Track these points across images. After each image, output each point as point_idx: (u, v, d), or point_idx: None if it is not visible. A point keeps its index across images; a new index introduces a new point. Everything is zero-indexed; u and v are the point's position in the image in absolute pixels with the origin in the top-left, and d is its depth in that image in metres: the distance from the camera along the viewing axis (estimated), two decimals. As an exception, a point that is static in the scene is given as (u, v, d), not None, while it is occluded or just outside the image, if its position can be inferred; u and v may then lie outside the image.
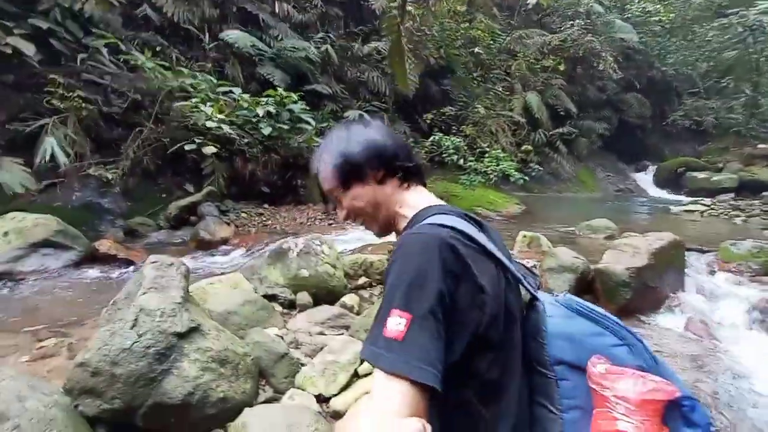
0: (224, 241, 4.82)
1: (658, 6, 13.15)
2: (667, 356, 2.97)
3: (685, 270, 4.01)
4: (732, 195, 9.40)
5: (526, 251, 4.31)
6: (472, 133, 8.87)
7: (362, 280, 3.66)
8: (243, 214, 5.86)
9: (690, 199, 9.28)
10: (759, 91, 12.22)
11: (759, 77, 11.99)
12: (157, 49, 6.41)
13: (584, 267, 3.71)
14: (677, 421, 0.55)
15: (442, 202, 0.81)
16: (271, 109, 6.09)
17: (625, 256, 3.76)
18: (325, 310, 2.81)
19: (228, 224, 5.33)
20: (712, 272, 4.15)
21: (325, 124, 7.78)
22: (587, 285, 3.73)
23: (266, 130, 5.84)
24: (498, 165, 6.67)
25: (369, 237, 5.35)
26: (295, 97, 6.28)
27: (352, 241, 5.00)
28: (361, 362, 2.13)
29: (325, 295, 3.14)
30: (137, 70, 5.63)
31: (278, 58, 7.70)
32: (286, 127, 6.15)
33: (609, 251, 3.93)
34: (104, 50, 5.38)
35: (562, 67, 11.39)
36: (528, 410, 0.64)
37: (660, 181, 12.42)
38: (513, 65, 11.68)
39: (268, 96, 6.24)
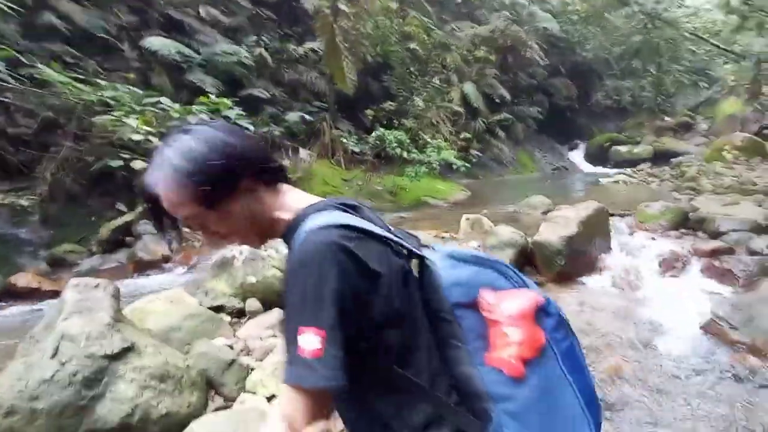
0: (166, 259, 4.58)
1: (573, -4, 14.23)
2: (597, 310, 3.28)
3: (610, 233, 4.41)
4: (649, 164, 10.45)
5: (470, 233, 4.52)
6: (414, 126, 9.10)
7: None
8: (185, 229, 5.57)
9: (615, 170, 10.18)
10: (662, 70, 13.63)
11: (660, 59, 13.37)
12: (69, 61, 5.91)
13: (523, 241, 3.97)
14: (542, 318, 0.68)
15: (312, 196, 0.77)
16: (205, 117, 5.85)
17: (558, 227, 4.07)
18: (276, 314, 2.78)
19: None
20: (632, 232, 4.60)
21: (265, 129, 7.62)
22: (527, 257, 4.00)
23: (201, 140, 5.62)
24: (440, 154, 6.90)
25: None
26: (229, 103, 6.08)
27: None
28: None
29: (275, 299, 3.10)
30: (47, 86, 5.16)
31: (208, 64, 7.41)
32: (222, 134, 5.94)
33: (544, 224, 4.23)
34: (0, 64, 4.83)
35: (493, 57, 11.97)
36: (444, 357, 0.70)
37: (590, 157, 13.50)
38: (448, 58, 12.08)
39: (200, 104, 5.99)
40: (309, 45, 9.35)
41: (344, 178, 8.33)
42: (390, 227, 0.76)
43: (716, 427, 2.02)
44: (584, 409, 0.68)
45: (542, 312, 0.68)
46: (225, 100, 6.13)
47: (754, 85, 8.74)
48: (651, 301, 3.44)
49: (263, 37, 8.79)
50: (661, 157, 10.72)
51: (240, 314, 2.93)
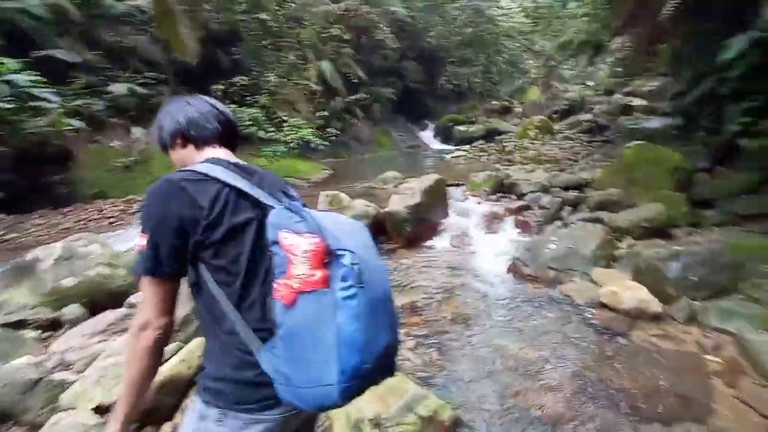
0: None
1: (417, -15, 15.36)
2: (439, 267, 3.83)
3: (448, 200, 5.14)
4: (482, 141, 12.33)
5: (330, 208, 4.68)
6: (268, 103, 8.69)
7: (158, 273, 3.27)
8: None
9: (455, 147, 11.71)
10: (488, 61, 16.12)
11: (487, 50, 15.78)
12: None
13: (375, 212, 4.31)
14: (333, 264, 0.79)
15: (224, 158, 1.01)
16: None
17: (405, 197, 4.54)
18: (106, 316, 2.42)
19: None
20: (464, 199, 5.47)
21: (79, 102, 6.22)
22: (380, 226, 4.38)
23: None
24: (297, 133, 6.79)
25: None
26: (14, 64, 4.71)
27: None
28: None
29: (105, 299, 2.69)
30: None
31: (-26, 10, 5.55)
32: (8, 106, 4.60)
33: (393, 196, 4.67)
34: None
35: (347, 36, 12.15)
36: (267, 285, 0.87)
37: (438, 136, 15.17)
38: (303, 33, 11.76)
39: (-36, 64, 4.50)
40: (133, 2, 7.86)
41: (194, 160, 7.49)
42: (277, 189, 0.99)
43: (518, 330, 2.66)
44: (339, 351, 0.74)
45: (335, 260, 0.79)
46: (5, 60, 4.72)
47: (546, 78, 11.18)
48: (477, 253, 4.19)
49: (62, -16, 6.99)
50: (490, 135, 12.72)
51: (54, 326, 2.44)
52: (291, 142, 6.74)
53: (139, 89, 7.44)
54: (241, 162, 1.04)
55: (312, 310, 0.77)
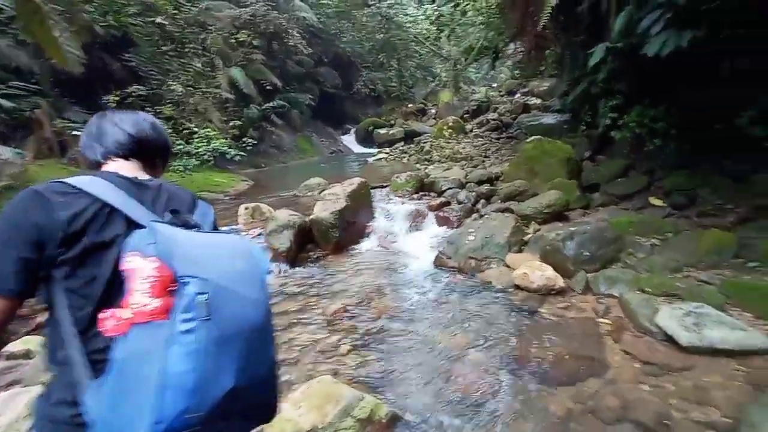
0: None
1: (324, -9, 15.39)
2: (368, 268, 3.89)
3: (373, 203, 5.25)
4: (402, 143, 12.77)
5: (251, 221, 4.48)
6: (174, 114, 8.03)
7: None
8: None
9: (377, 150, 11.97)
10: (401, 65, 16.79)
11: (398, 55, 16.43)
12: None
13: (300, 221, 4.23)
14: (178, 293, 0.72)
15: (123, 172, 0.95)
16: None
17: (329, 203, 4.53)
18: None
19: None
20: (389, 200, 5.63)
21: None
22: (307, 235, 4.31)
23: None
24: (209, 144, 6.38)
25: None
26: None
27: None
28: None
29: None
30: None
31: None
32: None
33: (318, 203, 4.63)
34: None
35: (257, 42, 11.73)
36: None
37: (359, 139, 15.36)
38: (208, 39, 11.07)
39: None
40: (-14, -1, 6.68)
41: (87, 181, 6.61)
42: (167, 205, 0.92)
43: (446, 319, 2.80)
44: (159, 396, 0.65)
45: (178, 289, 0.71)
46: None
47: (455, 81, 11.99)
48: (404, 251, 4.35)
49: None
50: (409, 137, 13.21)
51: None
52: (204, 154, 6.29)
53: (5, 102, 6.36)
54: (141, 177, 0.97)
55: (142, 344, 0.69)
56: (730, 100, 3.86)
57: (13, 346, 2.28)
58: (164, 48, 9.66)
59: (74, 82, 7.60)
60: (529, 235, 4.06)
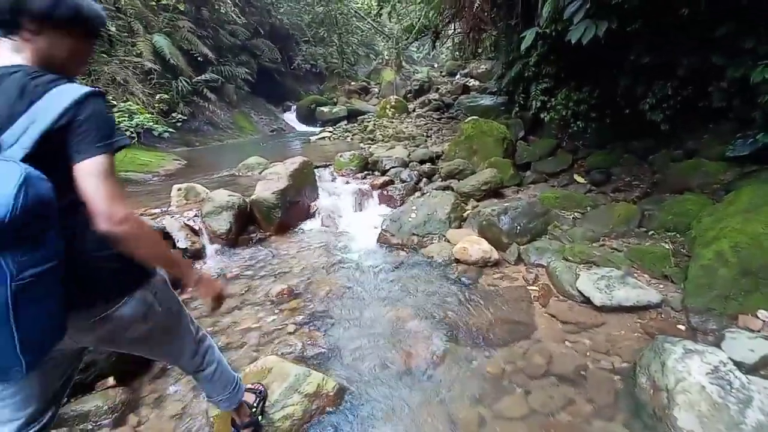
0: None
1: (257, -45, 14.28)
2: (312, 248, 3.85)
3: (317, 182, 5.15)
4: (345, 121, 12.57)
5: (185, 203, 4.18)
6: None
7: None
8: None
9: (320, 129, 11.68)
10: (342, 41, 16.31)
11: (339, 31, 15.92)
12: None
13: (240, 202, 4.04)
14: None
15: None
16: None
17: (271, 183, 4.37)
18: None
19: None
20: (333, 179, 5.56)
21: None
22: (248, 216, 4.14)
23: None
24: (132, 120, 5.76)
25: None
26: None
27: None
28: None
29: None
30: None
31: None
32: None
33: (259, 182, 4.44)
34: None
35: (182, 7, 10.66)
36: None
37: (301, 118, 14.83)
38: (121, 0, 9.82)
39: None
40: None
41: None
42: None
43: (389, 294, 2.88)
44: None
45: None
46: None
47: (397, 59, 11.96)
48: (348, 231, 4.36)
49: None
50: (353, 116, 13.02)
51: None
52: (126, 130, 5.67)
53: None
54: None
55: None
56: (636, 89, 4.32)
57: None
58: (69, 7, 8.40)
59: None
60: (468, 212, 4.27)
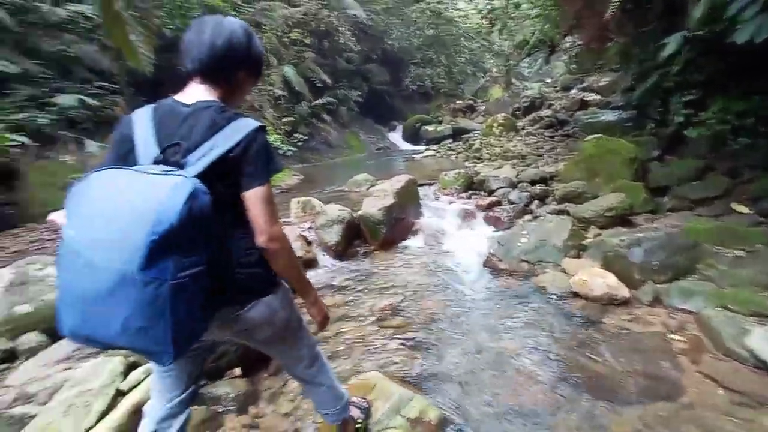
0: None
1: (374, -12, 15.45)
2: (414, 267, 3.85)
3: (421, 200, 5.19)
4: (450, 140, 12.55)
5: (302, 215, 4.60)
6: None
7: (123, 294, 3.10)
8: None
9: (425, 147, 11.85)
10: (450, 61, 16.47)
11: (447, 51, 16.13)
12: None
13: (349, 216, 4.28)
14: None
15: (181, 97, 1.06)
16: None
17: (377, 200, 4.54)
18: (69, 342, 2.26)
19: None
20: (437, 198, 5.54)
21: (21, 116, 5.80)
22: (356, 230, 4.35)
23: None
24: (265, 140, 6.63)
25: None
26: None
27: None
28: (124, 377, 1.87)
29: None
30: None
31: None
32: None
33: (366, 199, 4.66)
34: None
35: (308, 41, 12.03)
36: None
37: (406, 137, 15.28)
38: (263, 38, 11.53)
39: None
40: (74, 7, 7.41)
41: (155, 173, 7.16)
42: (162, 131, 1.02)
43: (497, 323, 2.70)
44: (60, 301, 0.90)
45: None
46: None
47: (507, 76, 11.56)
48: (452, 251, 4.25)
49: (-11, -13, 6.49)
50: (457, 134, 12.94)
51: (10, 357, 2.26)
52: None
53: (90, 100, 7.03)
54: (194, 100, 1.03)
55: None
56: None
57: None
58: (224, 48, 10.19)
59: (145, 81, 8.25)
60: (589, 240, 3.81)
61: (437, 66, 17.19)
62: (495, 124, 10.34)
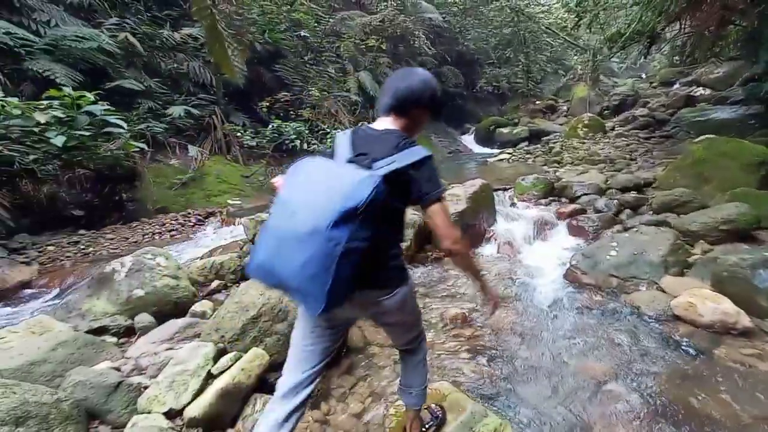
0: (24, 285, 3.84)
1: (452, -10, 15.26)
2: (489, 276, 3.69)
3: (495, 206, 4.97)
4: (526, 143, 11.89)
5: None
6: (311, 116, 8.94)
7: (215, 284, 3.43)
8: (50, 248, 4.74)
9: (499, 150, 11.37)
10: (529, 60, 15.59)
11: (527, 49, 15.28)
12: None
13: (420, 221, 4.25)
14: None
15: (374, 125, 1.38)
16: (60, 113, 4.95)
17: (449, 204, 4.45)
18: (172, 325, 2.56)
19: (27, 263, 4.25)
20: (513, 204, 5.26)
21: (142, 126, 6.76)
22: (427, 235, 4.31)
23: (58, 141, 4.72)
24: (340, 144, 6.89)
25: (213, 241, 4.93)
26: (91, 96, 5.22)
27: (200, 247, 4.61)
28: (215, 362, 2.05)
29: (170, 309, 2.85)
30: None
31: (57, 50, 6.22)
32: (87, 133, 5.09)
33: (438, 203, 4.59)
34: None
35: (384, 46, 12.29)
36: None
37: (479, 139, 14.82)
38: (341, 46, 12.06)
39: (51, 98, 5.04)
40: (186, 31, 8.47)
41: (243, 175, 7.86)
42: (355, 145, 1.32)
43: (580, 342, 2.47)
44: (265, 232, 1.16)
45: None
46: (86, 93, 5.26)
47: (594, 73, 10.58)
48: (528, 260, 4.00)
49: (127, 20, 7.67)
50: (535, 136, 12.22)
51: (129, 333, 2.63)
52: (335, 153, 6.85)
53: (194, 110, 7.96)
54: (383, 128, 1.34)
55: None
56: None
57: (197, 306, 2.83)
58: (305, 57, 10.85)
59: (236, 91, 9.12)
60: (696, 256, 3.31)
61: (515, 65, 16.42)
62: (579, 125, 9.55)
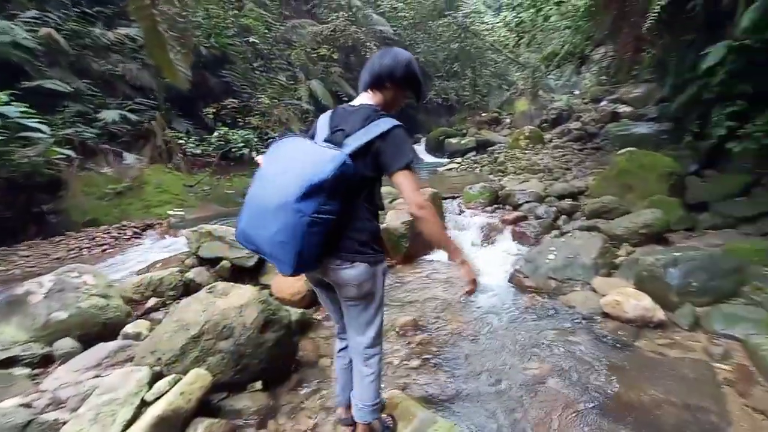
0: None
1: (401, 4, 15.70)
2: (436, 281, 3.79)
3: (444, 214, 5.13)
4: (473, 153, 12.43)
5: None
6: (260, 124, 8.74)
7: (153, 302, 3.21)
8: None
9: (448, 160, 11.78)
10: (476, 74, 16.43)
11: (473, 64, 16.10)
12: None
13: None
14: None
15: (353, 102, 1.49)
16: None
17: (400, 213, 4.52)
18: (100, 349, 2.35)
19: None
20: (461, 212, 5.46)
21: (69, 130, 6.20)
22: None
23: (-37, 146, 4.20)
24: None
25: (152, 256, 4.62)
26: (4, 96, 4.69)
27: (136, 262, 4.28)
28: (150, 387, 1.90)
29: (99, 331, 2.61)
30: None
31: (-37, 44, 5.56)
32: (-1, 138, 4.59)
33: (390, 212, 4.65)
34: None
35: (335, 56, 12.33)
36: None
37: (429, 149, 15.26)
38: (292, 54, 11.93)
39: (-48, 97, 4.48)
40: (123, 31, 7.93)
41: (186, 184, 7.43)
42: (332, 123, 1.45)
43: (523, 343, 2.60)
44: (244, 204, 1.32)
45: None
46: (-4, 93, 4.73)
47: (534, 89, 11.40)
48: (477, 266, 4.16)
49: (49, 15, 7.02)
50: (482, 146, 12.81)
51: (46, 362, 2.36)
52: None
53: (130, 115, 7.45)
54: (360, 103, 1.43)
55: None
56: None
57: (131, 327, 2.61)
58: (255, 64, 10.60)
59: (179, 97, 8.67)
60: (621, 258, 3.64)
61: (462, 79, 17.19)
62: (521, 137, 10.17)
